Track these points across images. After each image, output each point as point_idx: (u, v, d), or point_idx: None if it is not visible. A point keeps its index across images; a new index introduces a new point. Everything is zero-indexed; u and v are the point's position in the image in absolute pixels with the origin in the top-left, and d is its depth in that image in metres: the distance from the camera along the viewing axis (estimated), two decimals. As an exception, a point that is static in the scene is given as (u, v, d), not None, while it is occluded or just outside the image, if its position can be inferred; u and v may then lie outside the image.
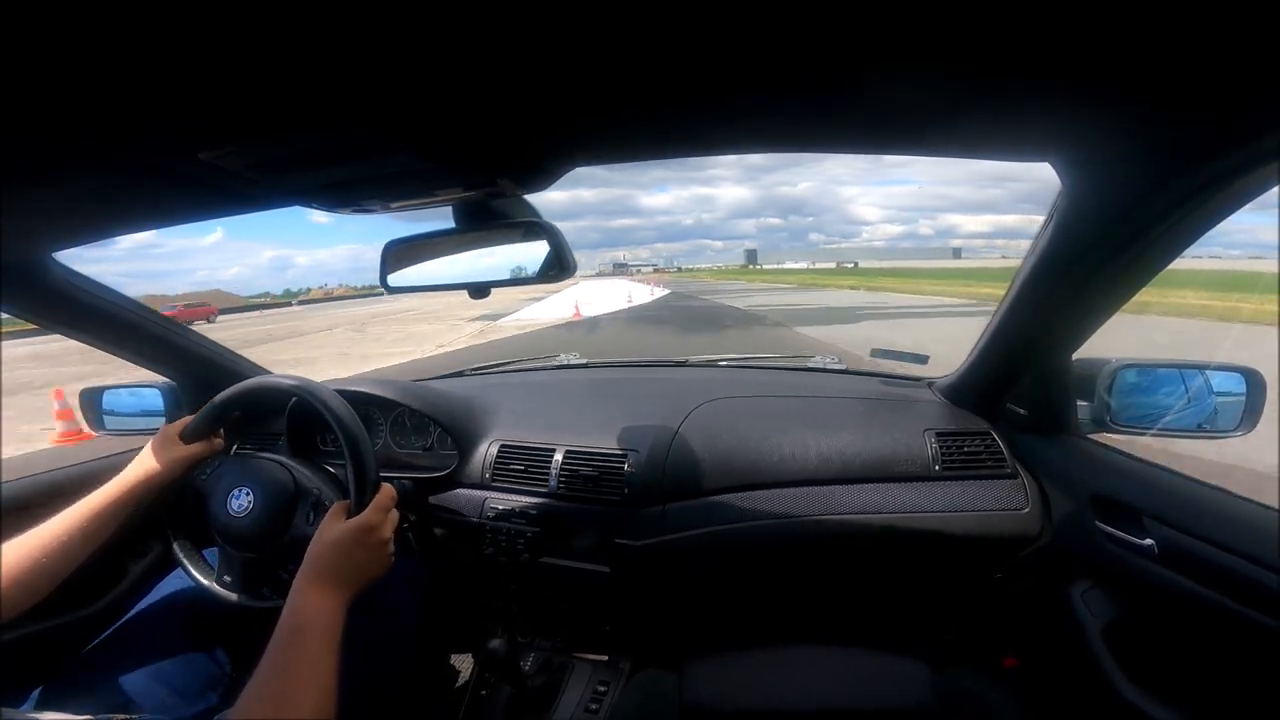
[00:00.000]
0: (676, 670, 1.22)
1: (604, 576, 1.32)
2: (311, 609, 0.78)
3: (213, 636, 1.13)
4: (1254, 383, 1.04)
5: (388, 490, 0.95)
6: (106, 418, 1.55)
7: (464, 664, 1.64)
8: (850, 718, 1.12)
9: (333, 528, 0.87)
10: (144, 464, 1.04)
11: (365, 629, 1.14)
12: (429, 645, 1.57)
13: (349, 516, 0.90)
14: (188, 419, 1.11)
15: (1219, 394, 1.07)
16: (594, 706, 1.35)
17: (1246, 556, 0.79)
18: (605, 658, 1.49)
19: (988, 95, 0.55)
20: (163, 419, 1.50)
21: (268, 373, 1.45)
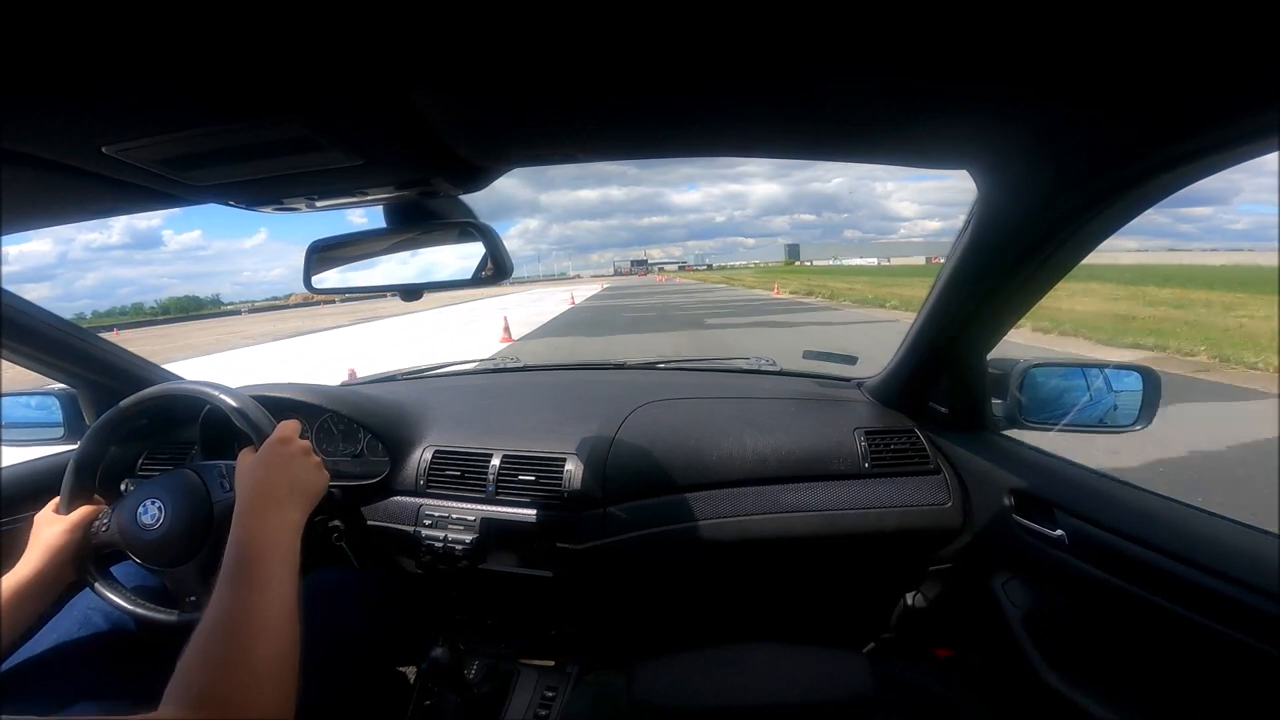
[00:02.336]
0: (625, 672, 1.22)
1: (547, 581, 1.31)
2: (260, 529, 0.74)
3: (135, 663, 1.06)
4: (1149, 380, 1.12)
5: (288, 422, 0.92)
6: (6, 431, 1.43)
7: (407, 674, 1.59)
8: (793, 712, 1.14)
9: (247, 461, 0.85)
10: (41, 547, 0.96)
11: (306, 641, 1.09)
12: (370, 656, 1.52)
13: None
14: (57, 499, 1.01)
15: (1118, 391, 1.15)
16: (543, 712, 1.33)
17: (1147, 544, 0.85)
18: (552, 663, 1.47)
19: (907, 108, 0.58)
20: (60, 429, 1.39)
21: (178, 379, 1.36)
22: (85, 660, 1.04)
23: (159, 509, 0.97)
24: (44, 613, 0.93)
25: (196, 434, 1.33)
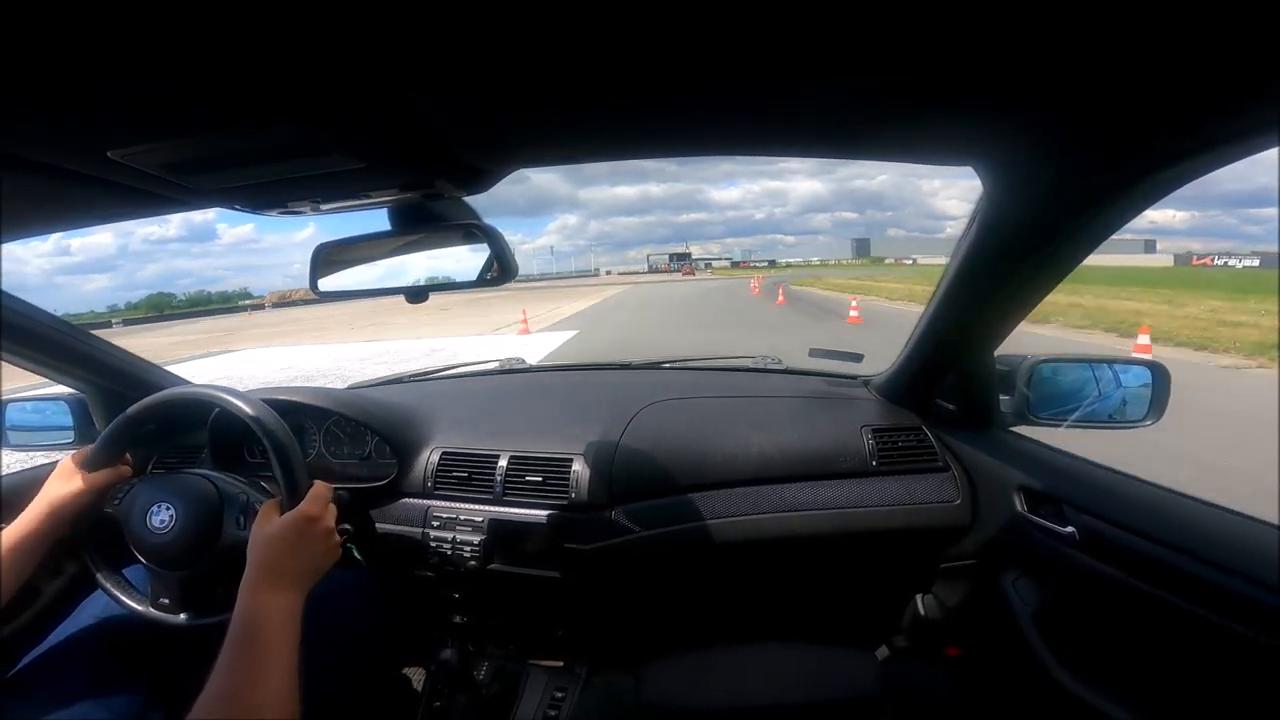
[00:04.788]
0: (633, 672, 1.22)
1: (555, 581, 1.31)
2: (264, 609, 0.74)
3: (139, 665, 1.06)
4: (1158, 375, 1.11)
5: (321, 485, 0.91)
6: (9, 433, 1.44)
7: (416, 676, 1.60)
8: (801, 711, 1.14)
9: (269, 524, 0.84)
10: (46, 502, 0.96)
11: (313, 644, 1.10)
12: (380, 658, 1.52)
13: (282, 513, 0.86)
14: (85, 450, 1.02)
15: (1126, 386, 1.15)
16: (552, 713, 1.34)
17: (1161, 541, 0.84)
18: (560, 663, 1.47)
19: (913, 104, 0.58)
20: (70, 433, 1.40)
21: (186, 383, 1.37)
22: (93, 658, 1.05)
23: (170, 515, 0.97)
24: (30, 576, 0.93)
25: (205, 438, 1.33)
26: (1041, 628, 1.05)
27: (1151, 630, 0.87)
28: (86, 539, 1.03)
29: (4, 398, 1.45)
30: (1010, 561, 1.16)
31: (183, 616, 0.98)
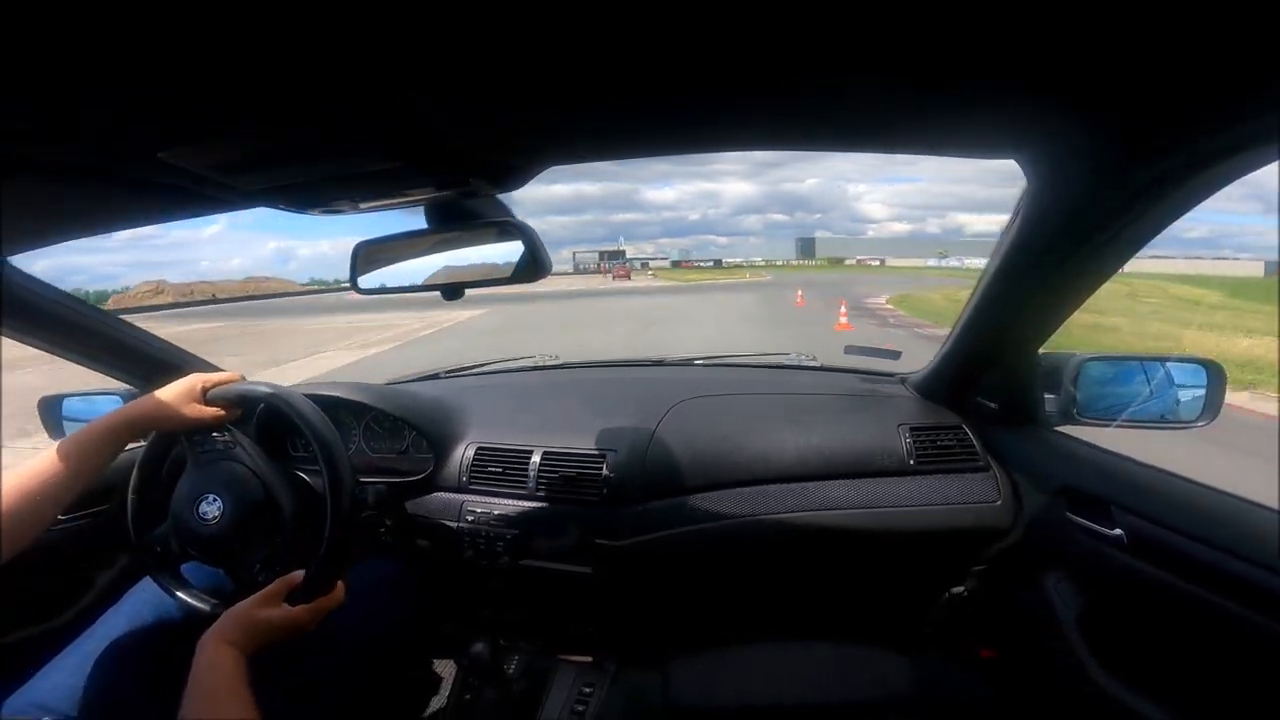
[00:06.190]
0: (661, 670, 1.22)
1: (585, 577, 1.31)
2: (208, 665, 0.76)
3: (185, 657, 1.10)
4: (1214, 374, 1.07)
5: (338, 595, 0.93)
6: (67, 425, 1.50)
7: (447, 669, 1.62)
8: (832, 712, 1.13)
9: (269, 607, 0.86)
10: (155, 403, 0.98)
11: (347, 634, 1.12)
12: (411, 650, 1.55)
13: (299, 594, 0.89)
14: (219, 375, 1.06)
15: (1180, 385, 1.10)
16: (579, 709, 1.34)
17: (1214, 545, 0.81)
18: (590, 659, 1.48)
19: (955, 96, 0.56)
20: None
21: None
22: (139, 649, 1.07)
23: (218, 508, 1.00)
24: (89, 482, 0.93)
25: (251, 429, 1.37)
26: (1084, 632, 1.02)
27: (1204, 637, 0.84)
28: (137, 513, 1.07)
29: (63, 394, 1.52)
30: (1053, 563, 1.13)
31: (210, 608, 1.02)
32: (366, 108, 0.54)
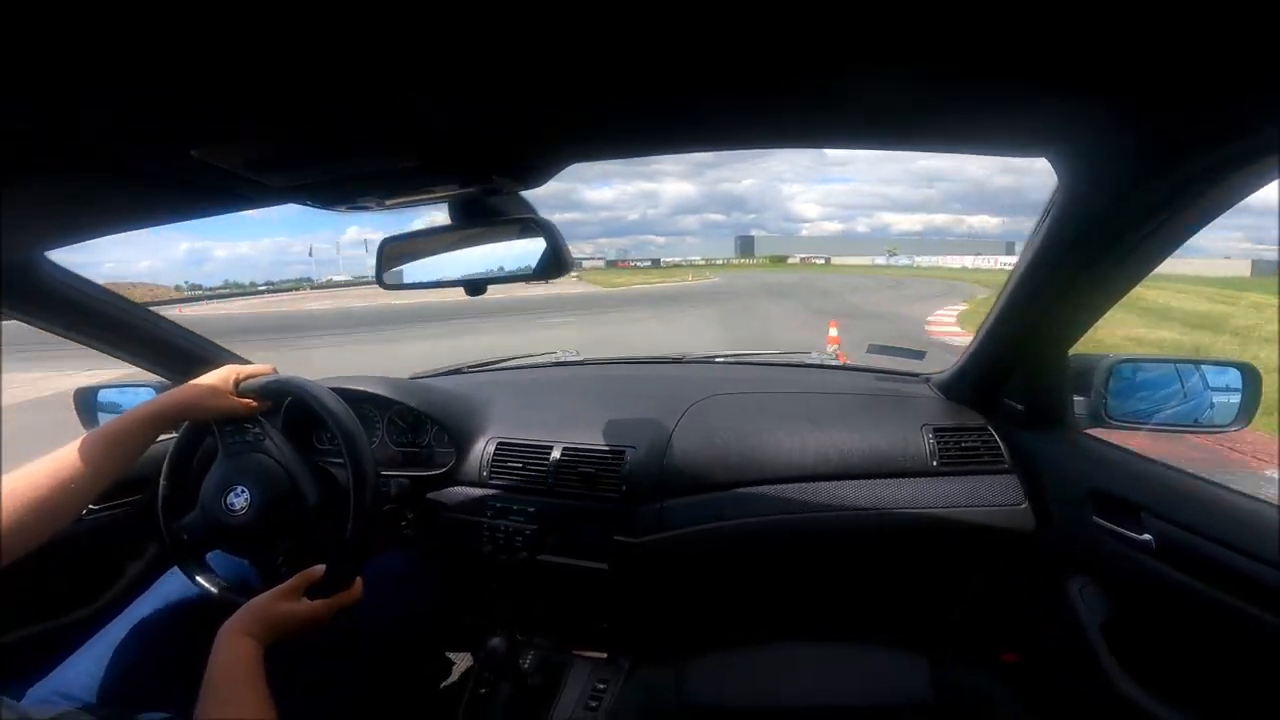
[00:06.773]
0: (676, 667, 1.22)
1: (603, 573, 1.32)
2: (226, 656, 0.77)
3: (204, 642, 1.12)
4: (1249, 377, 1.04)
5: (356, 591, 0.95)
6: (102, 416, 1.54)
7: (463, 662, 1.64)
8: (850, 714, 1.12)
9: (288, 601, 0.87)
10: (189, 393, 1.00)
11: (368, 628, 1.14)
12: (428, 642, 1.57)
13: (319, 589, 0.90)
14: (253, 367, 1.08)
15: (1215, 389, 1.08)
16: (593, 704, 1.35)
17: (1245, 552, 0.79)
18: (604, 655, 1.49)
19: (985, 92, 0.55)
20: None
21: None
22: (165, 638, 1.10)
23: (246, 500, 1.02)
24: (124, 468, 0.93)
25: (278, 422, 1.40)
26: (1109, 638, 1.00)
27: (1236, 647, 0.82)
28: (168, 498, 1.09)
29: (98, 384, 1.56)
30: (1078, 568, 1.10)
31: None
32: (390, 109, 0.55)
